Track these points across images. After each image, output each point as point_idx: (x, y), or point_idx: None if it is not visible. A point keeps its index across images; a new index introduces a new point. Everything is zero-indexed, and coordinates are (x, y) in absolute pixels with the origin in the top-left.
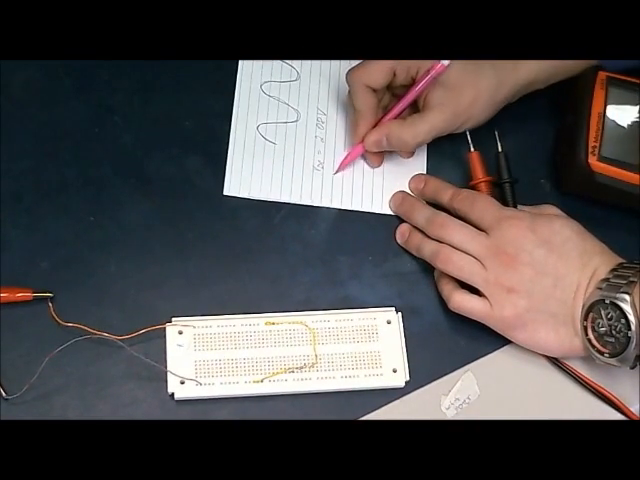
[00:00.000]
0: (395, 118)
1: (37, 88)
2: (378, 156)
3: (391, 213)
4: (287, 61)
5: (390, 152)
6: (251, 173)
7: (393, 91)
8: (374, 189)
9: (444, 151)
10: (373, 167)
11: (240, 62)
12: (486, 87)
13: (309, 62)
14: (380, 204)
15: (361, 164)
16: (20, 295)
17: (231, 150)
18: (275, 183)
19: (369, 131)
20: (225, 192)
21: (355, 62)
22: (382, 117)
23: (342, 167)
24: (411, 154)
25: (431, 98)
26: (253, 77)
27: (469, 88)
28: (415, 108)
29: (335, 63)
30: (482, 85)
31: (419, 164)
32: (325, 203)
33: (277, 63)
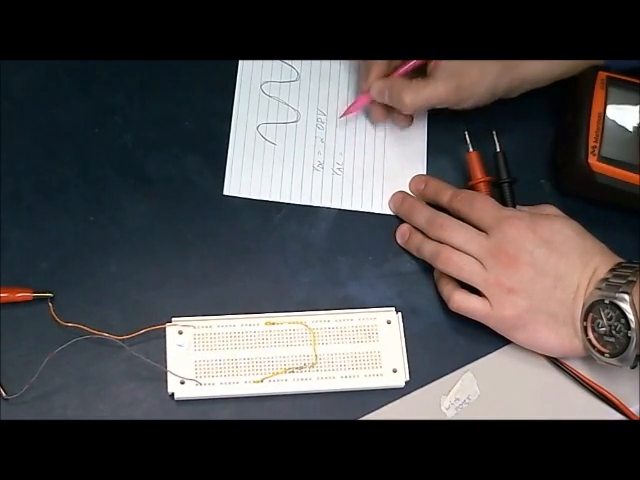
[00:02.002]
0: (404, 76)
1: (37, 88)
2: (381, 111)
3: (391, 213)
4: (287, 61)
5: (390, 151)
6: (251, 173)
7: None
8: (374, 189)
9: (444, 151)
10: (374, 122)
11: (240, 62)
12: (490, 71)
13: (309, 62)
14: (380, 204)
15: (361, 164)
16: (20, 295)
17: (231, 150)
18: (275, 183)
19: (377, 79)
20: (225, 192)
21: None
22: (393, 72)
23: (347, 112)
24: (409, 121)
25: (440, 65)
26: (253, 77)
27: (475, 67)
28: (425, 72)
29: (335, 63)
30: (487, 68)
31: (419, 164)
32: (325, 203)
33: (277, 63)
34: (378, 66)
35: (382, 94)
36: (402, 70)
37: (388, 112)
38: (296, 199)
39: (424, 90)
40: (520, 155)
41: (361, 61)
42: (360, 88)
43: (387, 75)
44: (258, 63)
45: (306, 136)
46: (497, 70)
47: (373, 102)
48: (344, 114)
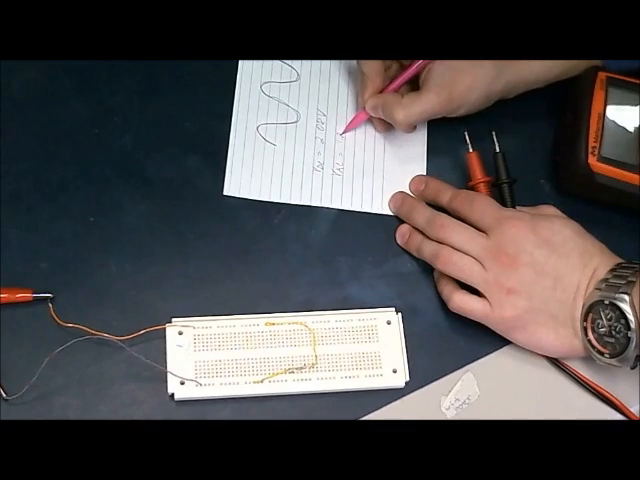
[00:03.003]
0: (397, 89)
1: (37, 89)
2: (382, 124)
3: (391, 214)
4: (287, 62)
5: (391, 151)
6: (251, 174)
7: (401, 62)
8: (374, 190)
9: (444, 152)
10: (378, 132)
11: (240, 62)
12: (483, 76)
13: (309, 63)
14: (380, 204)
15: (361, 164)
16: (20, 296)
17: (231, 151)
18: (275, 184)
19: (372, 96)
20: (225, 193)
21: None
22: (386, 87)
23: (348, 129)
24: (410, 129)
25: (431, 76)
26: (253, 78)
27: (467, 74)
28: (417, 83)
29: (335, 64)
30: (480, 73)
31: (419, 165)
32: (325, 204)
33: (277, 64)
34: (373, 82)
35: (376, 110)
36: (393, 85)
37: (389, 124)
38: (296, 199)
39: (416, 105)
40: (520, 155)
41: (359, 76)
42: (358, 104)
43: (382, 90)
44: (258, 63)
45: (306, 136)
46: (490, 75)
47: (372, 116)
48: (344, 131)
